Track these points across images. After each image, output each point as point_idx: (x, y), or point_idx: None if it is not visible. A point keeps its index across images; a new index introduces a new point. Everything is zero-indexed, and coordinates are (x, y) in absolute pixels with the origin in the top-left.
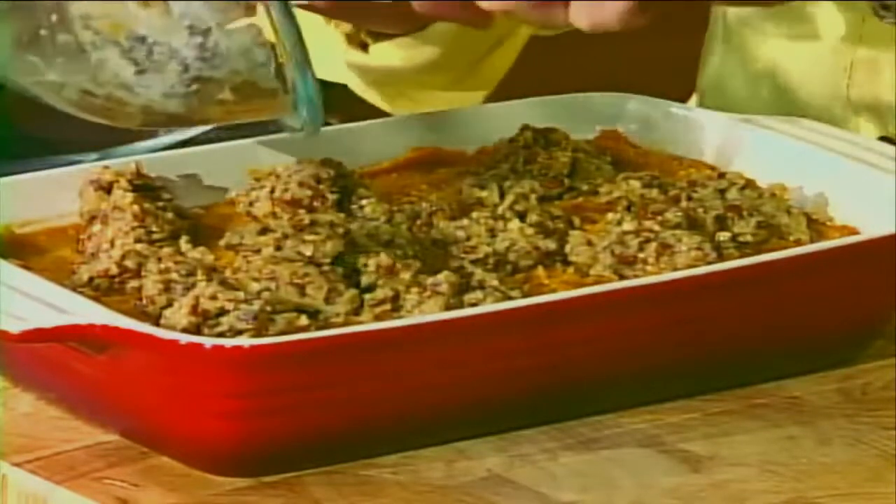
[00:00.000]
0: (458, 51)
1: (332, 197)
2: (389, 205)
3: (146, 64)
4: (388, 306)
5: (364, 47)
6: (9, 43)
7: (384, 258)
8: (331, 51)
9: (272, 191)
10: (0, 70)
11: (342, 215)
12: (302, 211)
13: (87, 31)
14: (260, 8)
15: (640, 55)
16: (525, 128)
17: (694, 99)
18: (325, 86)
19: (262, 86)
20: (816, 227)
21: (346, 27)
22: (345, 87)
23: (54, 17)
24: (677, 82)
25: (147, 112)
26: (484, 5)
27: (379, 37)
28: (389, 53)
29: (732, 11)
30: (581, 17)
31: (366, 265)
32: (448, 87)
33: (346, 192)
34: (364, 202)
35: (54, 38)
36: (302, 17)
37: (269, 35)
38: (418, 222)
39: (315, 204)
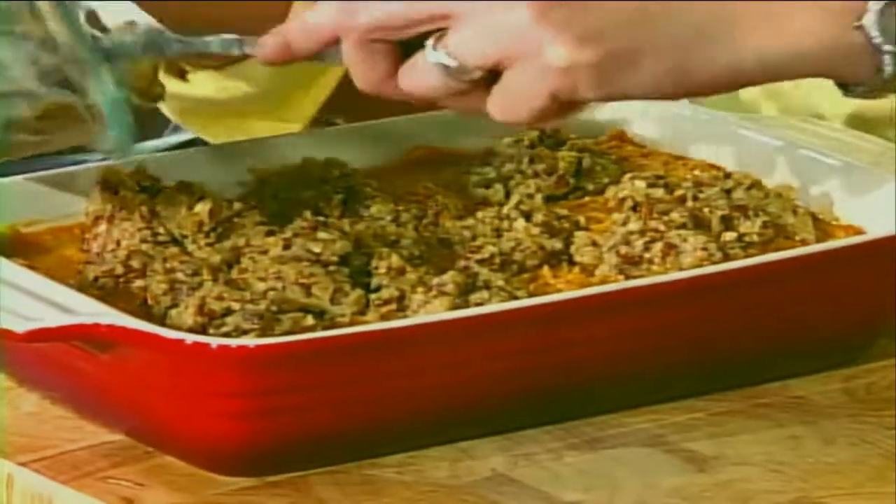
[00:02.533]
0: (270, 86)
1: (336, 197)
2: (395, 205)
3: None
4: (393, 306)
5: (182, 75)
6: None
7: (395, 260)
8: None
9: (277, 191)
10: None
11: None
12: (307, 211)
13: None
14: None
15: None
16: (530, 128)
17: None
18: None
19: (70, 112)
20: (822, 227)
21: None
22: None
23: None
24: None
25: None
26: (406, 89)
27: (197, 66)
28: (206, 84)
29: None
30: (496, 109)
31: (377, 267)
32: (262, 117)
33: (351, 192)
34: (369, 202)
35: None
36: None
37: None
38: (424, 222)
39: (320, 204)
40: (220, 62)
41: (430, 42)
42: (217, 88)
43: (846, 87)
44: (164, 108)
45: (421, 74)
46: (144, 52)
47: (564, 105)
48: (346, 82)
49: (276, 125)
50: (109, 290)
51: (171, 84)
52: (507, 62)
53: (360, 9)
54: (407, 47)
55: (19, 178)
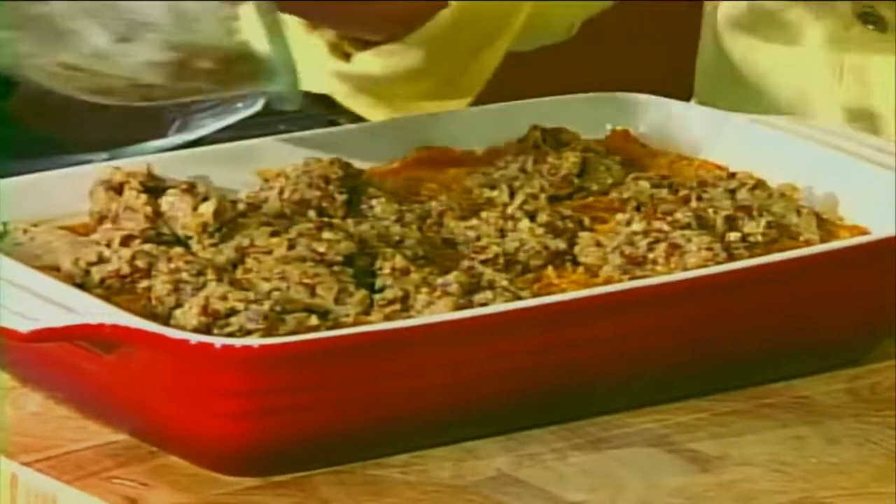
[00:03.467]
0: (439, 59)
1: (340, 197)
2: (399, 205)
3: (122, 33)
4: (397, 306)
5: (346, 57)
6: None
7: (400, 261)
8: (313, 61)
9: (281, 191)
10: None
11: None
12: (311, 212)
13: (57, 1)
14: None
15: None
16: (534, 128)
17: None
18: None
19: (241, 55)
20: (826, 227)
21: (330, 36)
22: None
23: None
24: (680, 83)
25: (132, 84)
26: None
27: (361, 45)
28: (371, 62)
29: (722, 17)
30: None
31: (381, 268)
32: (428, 97)
33: (355, 192)
34: (374, 202)
35: (30, 9)
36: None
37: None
38: (428, 222)
39: (324, 204)
40: (384, 40)
41: None
42: (381, 67)
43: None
44: (330, 90)
45: None
46: None
47: None
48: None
49: (441, 103)
50: (113, 290)
51: (335, 65)
52: None
53: None
54: None
55: (24, 177)
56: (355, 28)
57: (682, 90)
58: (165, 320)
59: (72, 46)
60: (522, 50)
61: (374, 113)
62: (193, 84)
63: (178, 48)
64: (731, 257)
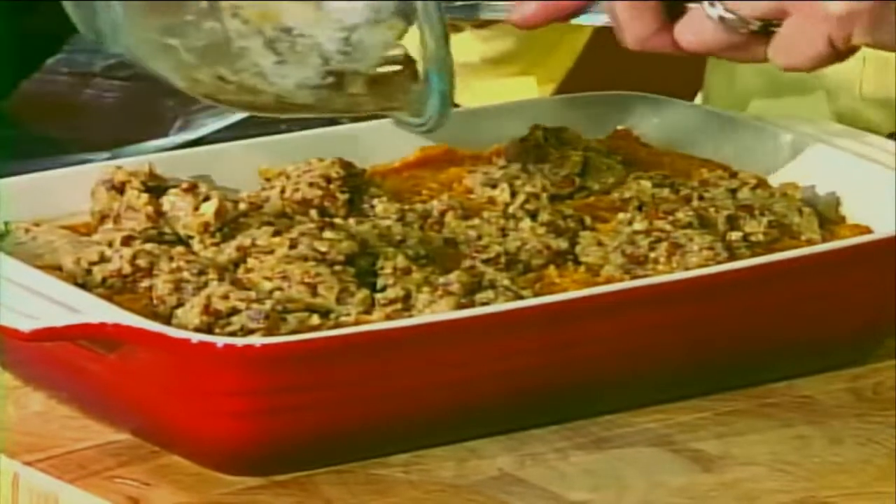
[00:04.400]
0: (527, 44)
1: (342, 197)
2: (400, 204)
3: (288, 55)
4: (399, 306)
5: None
6: (152, 26)
7: (401, 260)
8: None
9: (283, 191)
10: (135, 51)
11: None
12: (313, 211)
13: (234, 20)
14: (412, 5)
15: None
16: (536, 127)
17: (699, 97)
18: None
19: (395, 80)
20: (828, 226)
21: None
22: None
23: (204, 4)
24: (683, 80)
25: (277, 101)
26: (683, 43)
27: (453, 29)
28: (469, 47)
29: None
30: (778, 56)
31: (382, 267)
32: (516, 77)
33: (357, 191)
34: (375, 202)
35: (200, 24)
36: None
37: (415, 32)
38: (429, 221)
39: (325, 204)
40: (476, 24)
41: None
42: (473, 51)
43: None
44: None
45: (698, 28)
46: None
47: (838, 52)
48: None
49: (530, 86)
50: (115, 290)
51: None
52: (785, 12)
53: None
54: None
55: (25, 177)
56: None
57: (687, 87)
58: (167, 320)
59: (234, 63)
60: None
61: (463, 95)
62: (335, 106)
63: (335, 73)
64: (733, 257)
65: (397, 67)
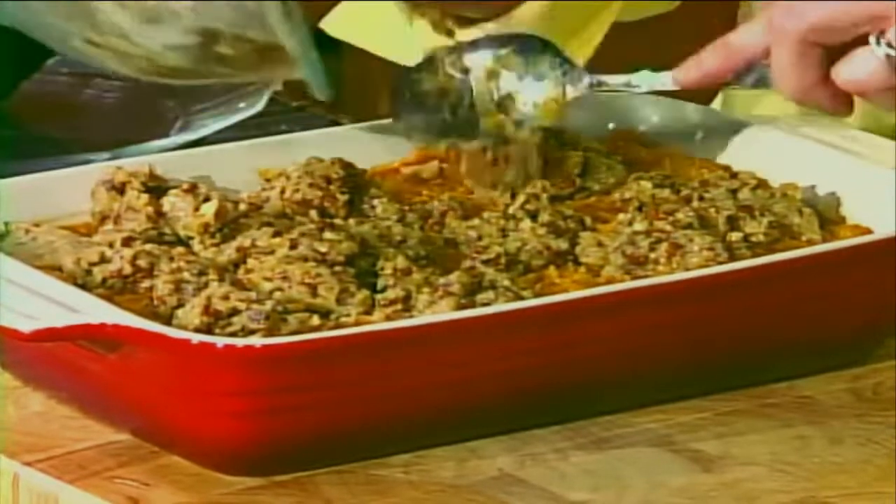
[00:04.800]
0: (543, 33)
1: (342, 197)
2: (400, 204)
3: (145, 14)
4: (399, 306)
5: (450, 34)
6: None
7: (401, 261)
8: (413, 40)
9: (283, 192)
10: (19, 20)
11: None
12: (313, 212)
13: None
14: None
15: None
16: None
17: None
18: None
19: (264, 44)
20: (829, 226)
21: (433, 15)
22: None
23: None
24: None
25: (152, 63)
26: (847, 84)
27: (465, 23)
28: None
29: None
30: None
31: (383, 268)
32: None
33: (357, 192)
34: (375, 202)
35: None
36: (386, 7)
37: None
38: (430, 222)
39: (325, 204)
40: (487, 17)
41: (872, 38)
42: None
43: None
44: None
45: (861, 67)
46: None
47: None
48: (354, 82)
49: None
50: (115, 290)
51: (438, 43)
52: None
53: (803, 11)
54: None
55: (26, 177)
56: (459, 6)
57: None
58: (167, 320)
59: (95, 24)
60: (628, 20)
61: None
62: (212, 70)
63: (199, 33)
64: (733, 257)
65: (265, 32)
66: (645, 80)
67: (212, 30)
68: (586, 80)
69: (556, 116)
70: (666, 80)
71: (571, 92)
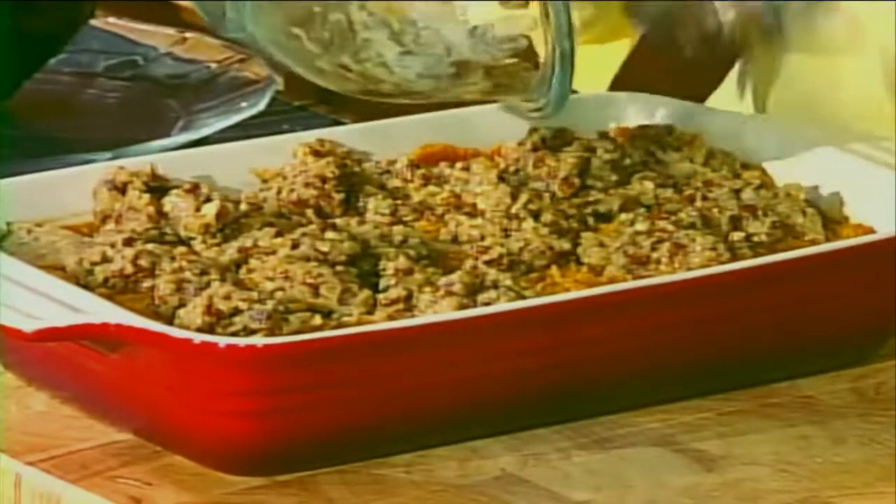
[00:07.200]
0: (605, 9)
1: (338, 196)
2: (399, 202)
3: (412, 46)
4: (401, 306)
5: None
6: (279, 15)
7: (403, 261)
8: (484, 8)
9: (279, 192)
10: (258, 37)
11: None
12: (310, 211)
13: (361, 12)
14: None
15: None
16: (534, 130)
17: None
18: None
19: (514, 69)
20: (832, 226)
21: None
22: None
23: None
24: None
25: (396, 89)
26: None
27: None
28: (489, 12)
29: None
30: None
31: (384, 268)
32: (594, 42)
33: (353, 190)
34: (371, 200)
35: (326, 16)
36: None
37: (541, 24)
38: (431, 220)
39: (321, 203)
40: None
41: None
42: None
43: None
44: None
45: None
46: None
47: None
48: None
49: (604, 48)
50: (117, 290)
51: (505, 13)
52: None
53: None
54: None
55: (27, 177)
56: None
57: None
58: (169, 320)
59: (358, 52)
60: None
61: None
62: (453, 95)
63: (458, 64)
64: (735, 257)
65: (517, 59)
66: None
67: (468, 61)
68: None
69: None
70: None
71: None
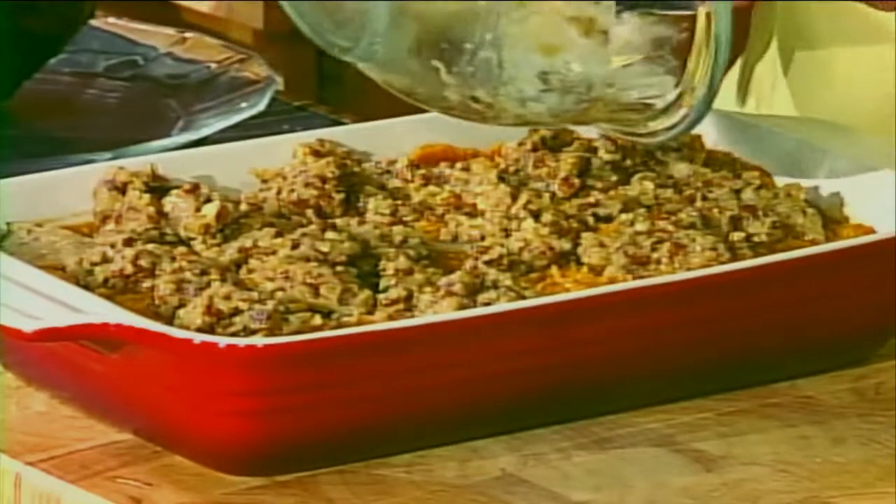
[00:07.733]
0: None
1: (338, 196)
2: (399, 202)
3: (555, 86)
4: (401, 306)
5: None
6: (421, 48)
7: (403, 261)
8: None
9: (279, 192)
10: (383, 63)
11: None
12: (310, 211)
13: (513, 51)
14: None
15: None
16: (534, 130)
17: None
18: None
19: (638, 103)
20: (832, 226)
21: None
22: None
23: (489, 36)
24: None
25: (521, 118)
26: None
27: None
28: None
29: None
30: None
31: (384, 269)
32: None
33: (353, 190)
34: (371, 200)
35: (476, 53)
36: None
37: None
38: (431, 220)
39: (321, 203)
40: None
41: None
42: None
43: None
44: None
45: None
46: None
47: None
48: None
49: None
50: (117, 290)
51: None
52: None
53: None
54: None
55: (27, 177)
56: None
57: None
58: (169, 320)
59: (497, 88)
60: None
61: None
62: (571, 121)
63: (591, 101)
64: (736, 257)
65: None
66: None
67: (604, 98)
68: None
69: None
70: None
71: None
